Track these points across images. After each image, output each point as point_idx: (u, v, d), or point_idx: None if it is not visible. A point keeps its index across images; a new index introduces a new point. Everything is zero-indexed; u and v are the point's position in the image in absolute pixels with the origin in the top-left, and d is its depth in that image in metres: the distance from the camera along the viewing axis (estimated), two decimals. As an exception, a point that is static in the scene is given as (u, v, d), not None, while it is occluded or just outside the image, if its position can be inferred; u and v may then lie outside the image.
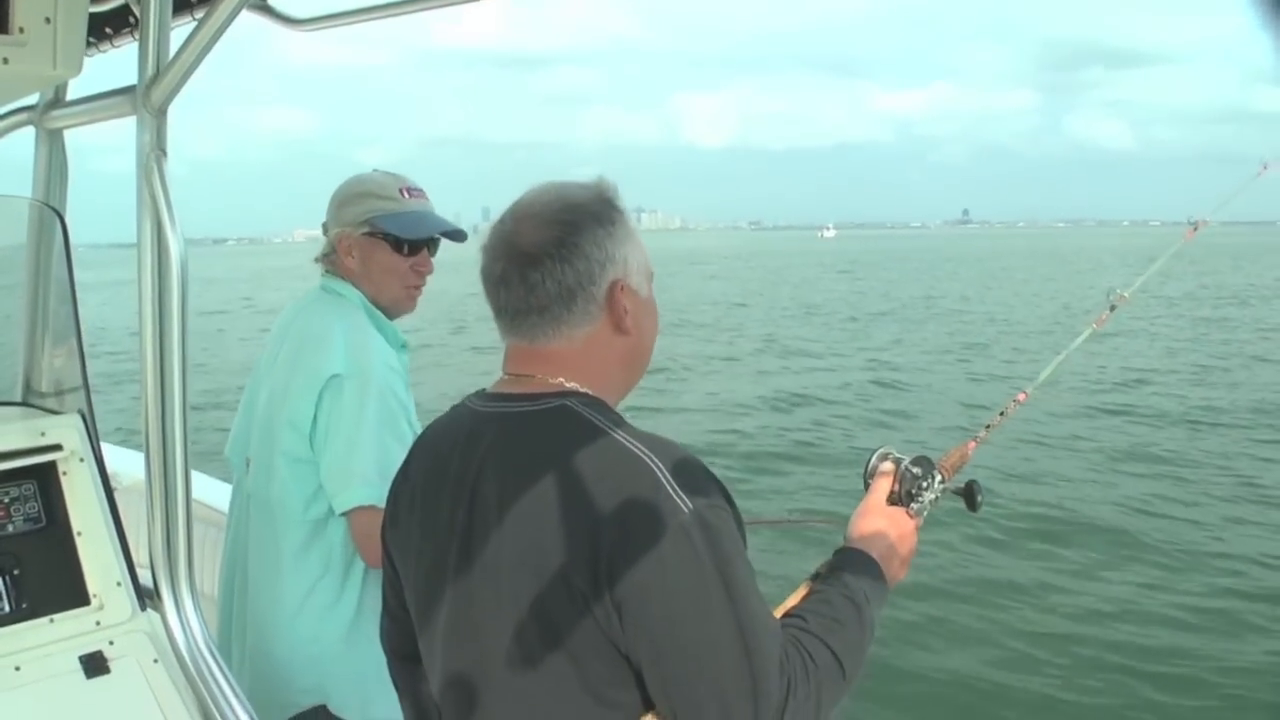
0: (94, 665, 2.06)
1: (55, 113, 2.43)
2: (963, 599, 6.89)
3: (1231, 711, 5.66)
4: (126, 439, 3.80)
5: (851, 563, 1.56)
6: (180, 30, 1.99)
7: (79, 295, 2.40)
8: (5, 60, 1.92)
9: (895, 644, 5.99)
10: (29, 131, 2.51)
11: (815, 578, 1.56)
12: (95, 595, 2.15)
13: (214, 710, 2.02)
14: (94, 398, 2.36)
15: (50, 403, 2.51)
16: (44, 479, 2.21)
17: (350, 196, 2.42)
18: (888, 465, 1.72)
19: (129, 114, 2.01)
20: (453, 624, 1.45)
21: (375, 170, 2.50)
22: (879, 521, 1.65)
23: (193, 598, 2.13)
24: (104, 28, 2.34)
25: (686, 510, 1.28)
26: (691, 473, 1.33)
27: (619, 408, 1.51)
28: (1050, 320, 29.13)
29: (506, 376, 1.51)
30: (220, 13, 1.82)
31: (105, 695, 2.03)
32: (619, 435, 1.36)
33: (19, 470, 2.18)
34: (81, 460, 2.24)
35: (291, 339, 2.40)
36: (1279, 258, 71.48)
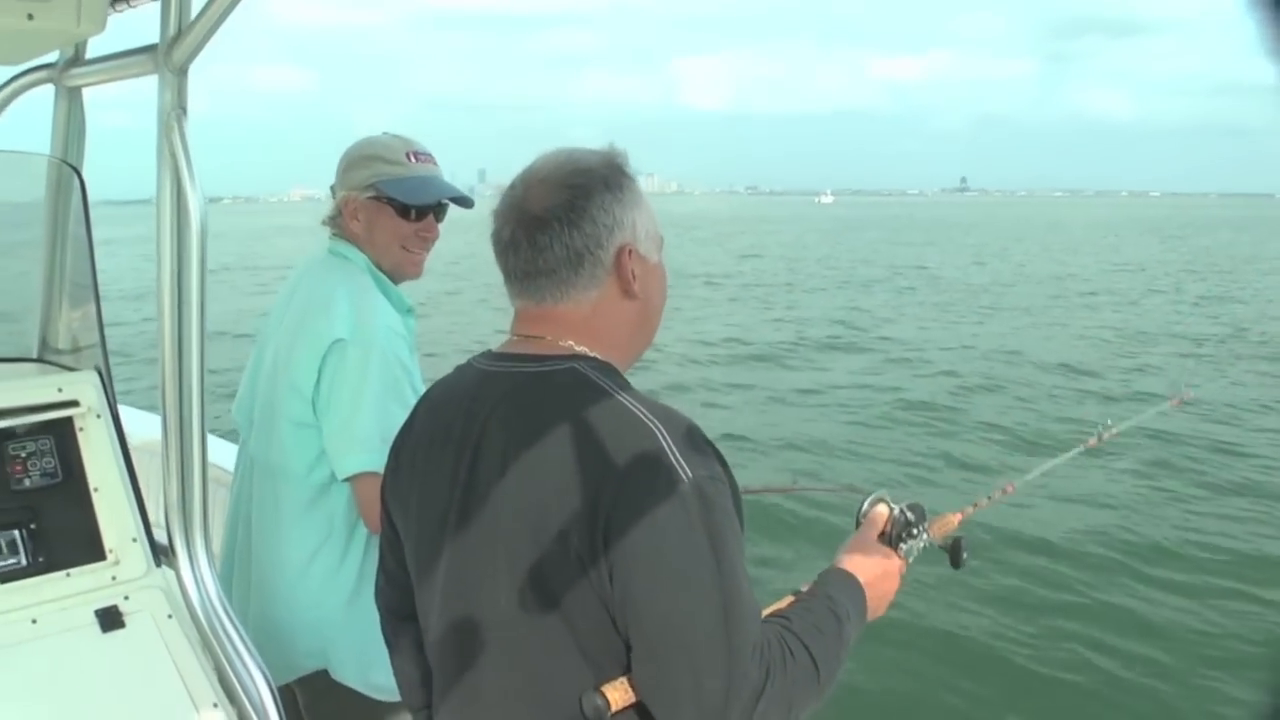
0: (109, 619, 2.09)
1: (75, 70, 2.43)
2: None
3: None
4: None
5: (837, 582, 1.57)
6: None
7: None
8: (30, 16, 1.93)
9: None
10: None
11: (799, 594, 1.56)
12: (111, 550, 2.18)
13: (226, 665, 2.05)
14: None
15: (67, 359, 2.52)
16: (61, 435, 2.22)
17: (357, 159, 2.40)
18: (881, 508, 1.73)
19: (150, 72, 2.01)
20: (451, 579, 1.46)
21: (384, 133, 2.47)
22: (869, 553, 1.66)
23: (207, 555, 2.16)
24: None
25: (686, 479, 1.29)
26: (694, 443, 1.34)
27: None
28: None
29: (515, 338, 1.51)
30: None
31: (120, 649, 2.06)
32: (626, 399, 1.37)
33: (36, 426, 2.19)
34: (98, 416, 2.26)
35: (297, 302, 2.39)
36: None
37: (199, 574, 2.14)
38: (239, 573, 2.48)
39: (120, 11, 2.33)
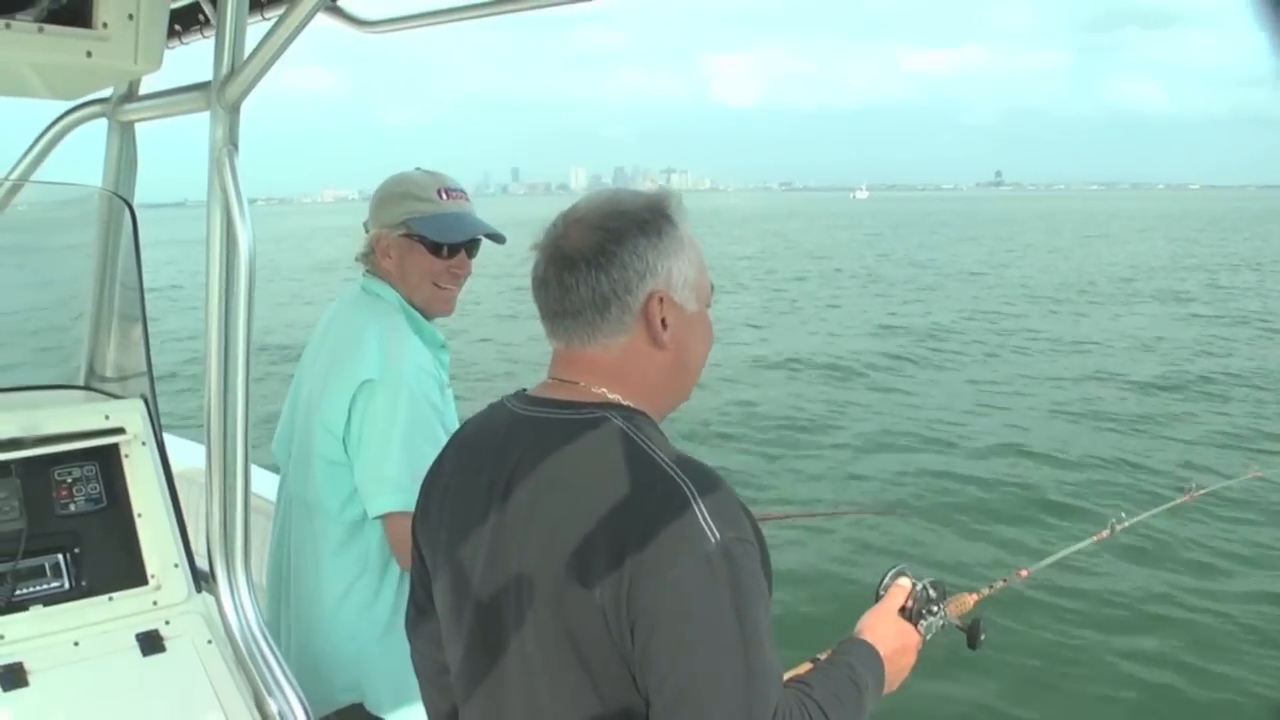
0: (150, 643, 2.11)
1: (128, 106, 2.48)
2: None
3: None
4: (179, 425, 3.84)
5: (858, 651, 1.57)
6: (253, 28, 2.04)
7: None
8: (89, 54, 1.97)
9: None
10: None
11: (817, 661, 1.56)
12: (153, 575, 2.20)
13: (264, 692, 2.07)
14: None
15: (113, 388, 2.57)
16: (106, 461, 2.25)
17: (388, 197, 2.42)
18: (904, 582, 1.73)
19: (203, 109, 2.06)
20: (477, 622, 1.46)
21: (417, 169, 2.50)
22: (890, 626, 1.66)
23: (248, 582, 2.18)
24: (174, 25, 2.37)
25: (714, 540, 1.27)
26: (724, 503, 1.32)
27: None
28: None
29: (551, 381, 1.51)
30: (297, 14, 1.88)
31: (160, 673, 2.08)
32: (656, 454, 1.35)
33: (81, 451, 2.22)
34: (143, 444, 2.29)
35: (330, 341, 2.43)
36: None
37: (239, 600, 2.17)
38: (283, 602, 2.51)
39: (171, 49, 2.36)
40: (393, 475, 2.20)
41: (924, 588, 1.73)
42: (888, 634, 1.64)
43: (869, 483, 10.50)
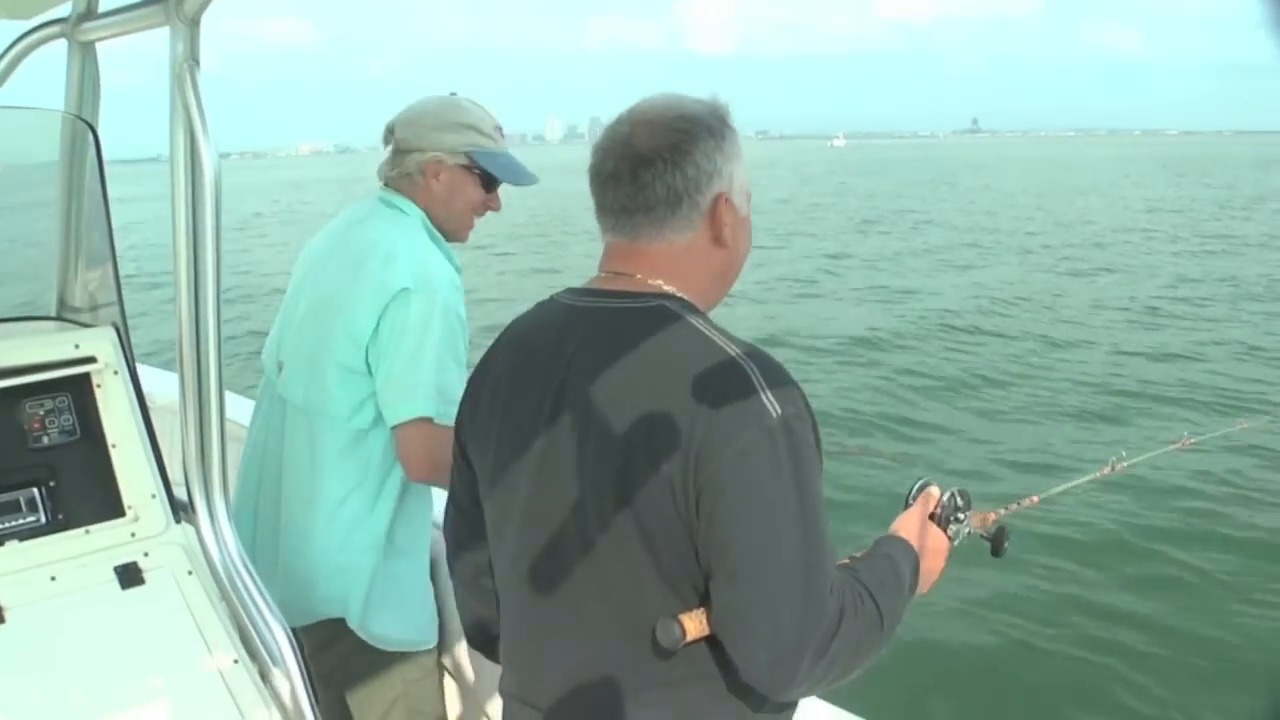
0: (129, 576, 2.08)
1: (87, 25, 2.39)
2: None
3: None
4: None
5: (896, 546, 1.60)
6: None
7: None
8: None
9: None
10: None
11: (854, 557, 1.59)
12: (130, 507, 2.17)
13: (247, 622, 2.05)
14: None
15: (84, 317, 2.51)
16: (78, 391, 2.21)
17: (451, 124, 2.42)
18: (933, 489, 1.77)
19: (162, 24, 1.99)
20: (534, 510, 1.49)
21: (469, 100, 2.50)
22: (921, 528, 1.70)
23: (226, 511, 2.15)
24: None
25: (775, 415, 1.32)
26: (783, 381, 1.37)
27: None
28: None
29: (604, 274, 1.55)
30: None
31: (140, 605, 2.06)
32: (716, 337, 1.41)
33: (53, 382, 2.18)
34: (115, 373, 2.25)
35: (350, 249, 2.41)
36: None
37: (219, 530, 2.14)
38: (262, 518, 2.49)
39: None
40: (423, 384, 2.23)
41: (952, 495, 1.78)
42: (920, 534, 1.67)
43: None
